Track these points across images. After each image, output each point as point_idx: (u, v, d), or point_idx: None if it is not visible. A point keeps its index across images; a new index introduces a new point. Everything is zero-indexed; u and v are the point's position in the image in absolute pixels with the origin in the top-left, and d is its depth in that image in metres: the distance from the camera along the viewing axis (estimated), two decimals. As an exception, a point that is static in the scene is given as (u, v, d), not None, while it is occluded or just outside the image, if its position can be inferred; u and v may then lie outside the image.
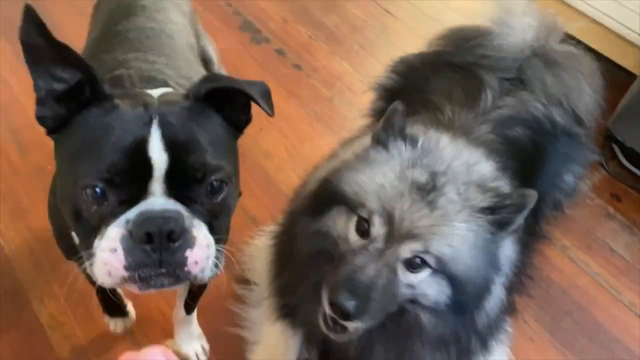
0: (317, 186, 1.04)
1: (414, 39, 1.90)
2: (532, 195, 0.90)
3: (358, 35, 2.10)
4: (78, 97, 0.67)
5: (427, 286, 0.92)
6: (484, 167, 1.00)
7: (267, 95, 0.75)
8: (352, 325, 0.92)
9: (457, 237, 0.89)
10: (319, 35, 2.07)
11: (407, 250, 0.89)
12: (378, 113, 1.53)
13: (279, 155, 1.65)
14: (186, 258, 0.65)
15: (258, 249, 1.36)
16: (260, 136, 1.68)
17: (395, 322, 0.98)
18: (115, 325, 1.21)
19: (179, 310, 1.14)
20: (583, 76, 1.35)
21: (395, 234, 0.89)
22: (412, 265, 0.90)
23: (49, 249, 1.35)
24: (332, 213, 0.97)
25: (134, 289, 0.67)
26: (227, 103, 0.73)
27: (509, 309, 1.26)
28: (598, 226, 1.60)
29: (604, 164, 1.74)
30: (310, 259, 1.02)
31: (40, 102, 0.68)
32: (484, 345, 1.13)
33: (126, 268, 0.64)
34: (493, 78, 1.33)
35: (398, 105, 0.96)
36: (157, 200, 0.64)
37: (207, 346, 1.22)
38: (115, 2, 1.13)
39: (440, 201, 0.89)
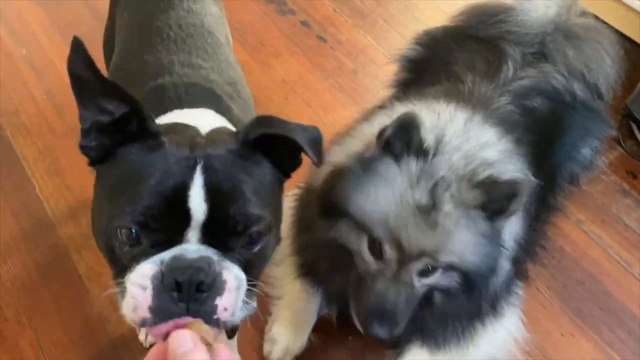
0: (324, 186, 1.04)
1: (438, 15, 1.92)
2: (524, 184, 0.94)
3: (382, 10, 2.12)
4: (123, 129, 0.65)
5: (440, 279, 1.00)
6: (484, 152, 1.03)
7: (317, 143, 0.69)
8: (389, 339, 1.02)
9: (461, 245, 0.95)
10: (344, 9, 2.10)
11: (419, 265, 0.96)
12: (401, 84, 1.57)
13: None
14: (216, 306, 0.63)
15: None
16: (286, 105, 1.73)
17: None
18: (146, 332, 1.19)
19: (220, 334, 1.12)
20: (603, 47, 1.38)
21: (405, 257, 0.95)
22: (425, 273, 0.98)
23: (86, 206, 1.42)
24: (342, 225, 1.01)
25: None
26: (277, 147, 0.69)
27: (521, 275, 1.32)
28: (613, 202, 1.64)
29: (621, 141, 1.76)
30: (330, 256, 1.08)
31: (84, 132, 0.66)
32: (494, 308, 1.20)
33: (150, 310, 0.61)
34: (515, 50, 1.36)
35: (413, 117, 0.95)
36: (192, 247, 0.62)
37: None
38: None
39: (440, 219, 0.94)
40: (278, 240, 0.74)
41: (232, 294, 0.63)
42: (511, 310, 1.26)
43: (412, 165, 0.95)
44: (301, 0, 2.10)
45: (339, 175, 1.01)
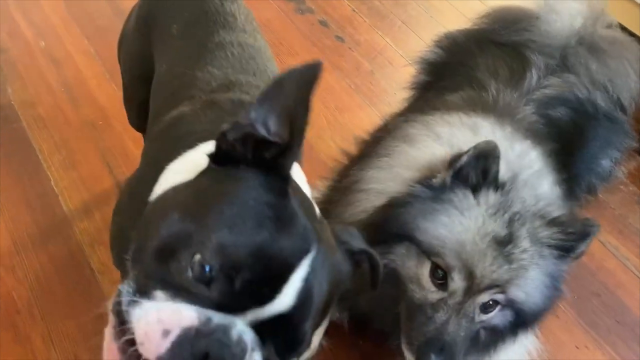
0: (380, 213, 0.99)
1: (457, 18, 1.91)
2: (595, 226, 0.95)
3: (401, 11, 2.11)
4: (261, 154, 0.59)
5: (494, 318, 0.98)
6: (547, 188, 1.03)
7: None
8: None
9: (532, 282, 0.95)
10: (362, 9, 2.09)
11: (485, 297, 0.94)
12: (419, 87, 1.55)
13: (319, 124, 1.69)
14: None
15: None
16: (302, 105, 1.72)
17: None
18: None
19: None
20: (628, 62, 1.36)
21: (474, 288, 0.92)
22: (486, 307, 0.96)
23: (100, 200, 1.43)
24: (399, 250, 0.97)
25: None
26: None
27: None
28: (630, 213, 1.62)
29: (642, 152, 1.74)
30: None
31: (234, 124, 0.60)
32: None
33: (157, 357, 0.52)
34: (539, 59, 1.34)
35: (494, 147, 0.92)
36: (241, 326, 0.54)
37: None
38: (193, 5, 1.02)
39: (516, 253, 0.93)
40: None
41: None
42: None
43: (491, 196, 0.94)
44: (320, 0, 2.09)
45: (400, 202, 0.98)
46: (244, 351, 0.54)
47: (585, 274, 1.46)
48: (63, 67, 1.71)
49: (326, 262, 0.59)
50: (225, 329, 0.53)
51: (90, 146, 1.53)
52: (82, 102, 1.63)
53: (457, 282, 0.92)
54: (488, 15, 1.49)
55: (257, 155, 0.59)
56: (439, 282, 0.94)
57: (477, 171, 0.93)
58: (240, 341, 0.53)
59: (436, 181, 0.96)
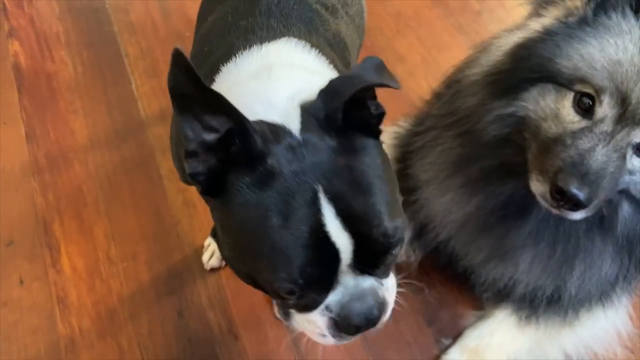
0: (508, 60, 0.89)
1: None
2: None
3: (522, -48, 1.90)
4: (228, 149, 0.59)
5: None
6: None
7: (384, 69, 0.65)
8: (576, 216, 0.82)
9: None
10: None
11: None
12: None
13: (413, 61, 1.56)
14: (380, 322, 0.66)
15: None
16: (396, 39, 1.60)
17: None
18: (210, 255, 1.16)
19: None
20: None
21: (628, 117, 0.78)
22: None
23: (177, 109, 1.40)
24: (531, 93, 0.85)
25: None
26: (355, 109, 0.62)
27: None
28: None
29: None
30: (490, 145, 0.91)
31: (190, 155, 0.60)
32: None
33: (334, 340, 0.66)
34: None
35: None
36: (349, 281, 0.62)
37: None
38: None
39: None
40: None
41: (391, 305, 0.66)
42: (621, 301, 1.09)
43: None
44: None
45: (535, 40, 0.86)
46: (375, 292, 0.63)
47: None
48: (158, -22, 1.70)
49: (343, 176, 0.59)
50: (346, 300, 0.62)
51: (174, 56, 1.50)
52: (173, 13, 1.61)
53: (606, 107, 0.79)
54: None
55: (229, 154, 0.59)
56: (584, 111, 0.81)
57: None
58: (364, 290, 0.62)
59: (576, 15, 0.83)
